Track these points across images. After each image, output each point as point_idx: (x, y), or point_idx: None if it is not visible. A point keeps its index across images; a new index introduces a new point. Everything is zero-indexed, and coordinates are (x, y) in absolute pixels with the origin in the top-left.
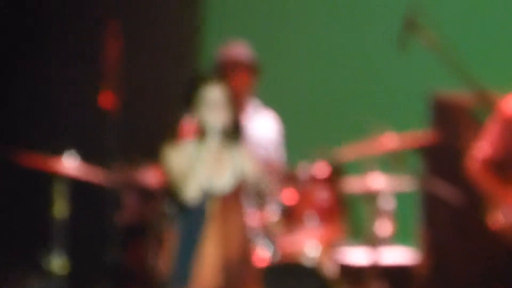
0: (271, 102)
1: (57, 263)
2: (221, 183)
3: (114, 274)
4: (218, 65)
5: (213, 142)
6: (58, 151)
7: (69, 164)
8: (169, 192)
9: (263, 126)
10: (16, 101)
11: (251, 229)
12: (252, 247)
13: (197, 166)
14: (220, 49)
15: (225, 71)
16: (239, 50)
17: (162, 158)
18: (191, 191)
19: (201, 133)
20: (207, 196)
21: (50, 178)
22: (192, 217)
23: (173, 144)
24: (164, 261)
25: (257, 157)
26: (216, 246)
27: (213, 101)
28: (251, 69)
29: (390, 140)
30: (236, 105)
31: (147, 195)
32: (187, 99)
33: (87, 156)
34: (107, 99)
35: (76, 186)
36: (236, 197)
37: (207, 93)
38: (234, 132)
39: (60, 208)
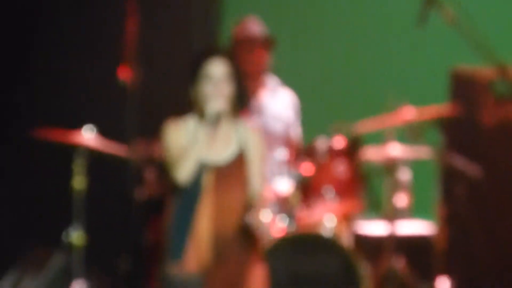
0: (289, 76)
1: (77, 236)
2: (217, 156)
3: (134, 249)
4: (233, 42)
5: (214, 117)
6: (78, 125)
7: (89, 138)
8: (163, 168)
9: (281, 103)
10: (36, 76)
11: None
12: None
13: (192, 146)
14: (234, 26)
15: (241, 48)
16: (253, 26)
17: (162, 133)
18: (184, 172)
19: (202, 107)
20: (203, 170)
21: (71, 152)
22: (188, 191)
23: (174, 120)
24: (163, 236)
25: (276, 133)
26: (210, 220)
27: (214, 75)
28: (266, 44)
29: (408, 114)
30: (254, 81)
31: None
32: (191, 73)
33: (106, 130)
34: (126, 74)
35: (96, 160)
36: (236, 171)
37: (208, 68)
38: (238, 105)
39: (80, 182)
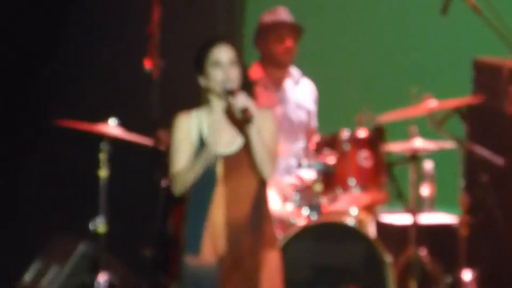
0: (313, 68)
1: (102, 225)
2: (227, 145)
3: (158, 238)
4: (261, 29)
5: (222, 104)
6: (103, 115)
7: (114, 127)
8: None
9: (304, 92)
10: (64, 66)
11: (289, 188)
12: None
13: (198, 160)
14: (263, 14)
15: (270, 33)
16: (282, 13)
17: (172, 125)
18: (183, 185)
19: (210, 95)
20: (215, 159)
21: (96, 142)
22: (201, 181)
23: (186, 112)
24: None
25: (300, 122)
26: (223, 210)
27: (222, 60)
28: (296, 30)
29: (431, 104)
30: (280, 70)
31: None
32: (198, 64)
33: (131, 120)
34: (150, 64)
35: (121, 149)
36: (245, 158)
37: (215, 54)
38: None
39: (106, 172)
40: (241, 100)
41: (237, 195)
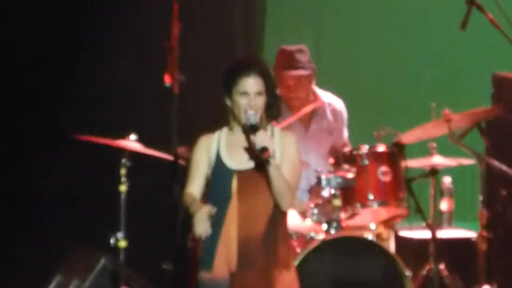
0: (334, 85)
1: (123, 239)
2: (244, 163)
3: (178, 253)
4: (278, 66)
5: (244, 130)
6: (123, 130)
7: (134, 142)
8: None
9: (328, 113)
10: (84, 82)
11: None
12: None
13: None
14: (281, 49)
15: (284, 79)
16: (300, 60)
17: (193, 144)
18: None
19: (233, 117)
20: (231, 176)
21: (116, 156)
22: (217, 197)
23: (207, 134)
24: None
25: (328, 144)
26: (236, 226)
27: (249, 91)
28: (312, 77)
29: (451, 119)
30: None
31: None
32: (225, 83)
33: (151, 135)
34: (170, 79)
35: (141, 164)
36: (261, 176)
37: (243, 84)
38: (272, 114)
39: (126, 186)
40: (261, 140)
41: (251, 212)
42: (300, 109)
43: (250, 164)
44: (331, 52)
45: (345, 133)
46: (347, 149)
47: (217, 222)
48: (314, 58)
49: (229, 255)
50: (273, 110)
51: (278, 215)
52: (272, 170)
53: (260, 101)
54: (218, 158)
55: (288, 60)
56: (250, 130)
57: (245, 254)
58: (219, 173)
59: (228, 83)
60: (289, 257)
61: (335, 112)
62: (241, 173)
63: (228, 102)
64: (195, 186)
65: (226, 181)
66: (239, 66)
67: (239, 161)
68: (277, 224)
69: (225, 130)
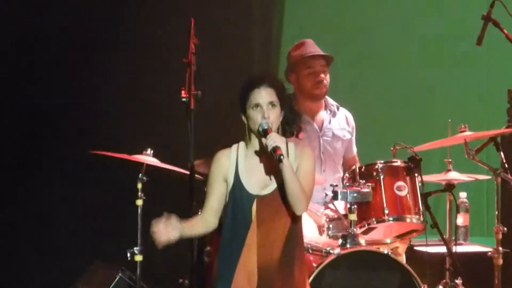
0: (348, 101)
1: (140, 254)
2: (263, 186)
3: (195, 268)
4: (292, 63)
5: (260, 145)
6: (140, 145)
7: (151, 157)
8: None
9: (340, 123)
10: (103, 98)
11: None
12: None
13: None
14: (291, 48)
15: (300, 68)
16: (309, 45)
17: (210, 158)
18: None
19: (251, 134)
20: (251, 200)
21: (133, 171)
22: (236, 221)
23: (224, 149)
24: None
25: (337, 153)
26: (255, 254)
27: (261, 103)
28: (325, 59)
29: (467, 135)
30: (315, 102)
31: None
32: (240, 101)
33: (168, 150)
34: (187, 94)
35: (158, 179)
36: (280, 199)
37: (254, 98)
38: (289, 126)
39: (143, 201)
40: (272, 140)
41: (270, 237)
42: (317, 95)
43: (269, 188)
44: (348, 67)
45: (355, 148)
46: (360, 165)
47: (235, 247)
48: (330, 72)
49: (249, 282)
50: (291, 127)
51: (294, 236)
52: (285, 169)
53: (274, 112)
54: (237, 179)
55: (305, 48)
56: (261, 135)
57: (264, 280)
58: (239, 197)
59: (242, 100)
60: (305, 278)
61: (346, 119)
62: (261, 199)
63: (244, 120)
64: (213, 201)
65: (245, 206)
66: (250, 81)
67: (258, 184)
68: (294, 245)
69: (242, 145)
